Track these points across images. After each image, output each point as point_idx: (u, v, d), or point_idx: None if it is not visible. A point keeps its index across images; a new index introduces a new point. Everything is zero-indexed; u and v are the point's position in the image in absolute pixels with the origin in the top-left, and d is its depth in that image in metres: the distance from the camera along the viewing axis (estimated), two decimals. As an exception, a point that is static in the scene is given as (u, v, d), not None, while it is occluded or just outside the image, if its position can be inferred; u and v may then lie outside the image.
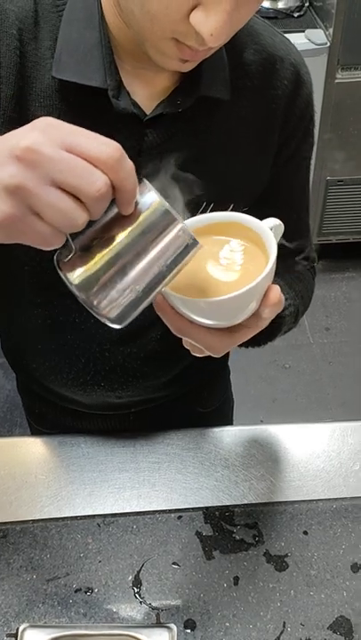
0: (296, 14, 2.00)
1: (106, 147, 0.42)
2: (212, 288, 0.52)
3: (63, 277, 0.46)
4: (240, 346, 0.64)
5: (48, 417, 0.95)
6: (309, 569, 0.73)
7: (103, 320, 0.47)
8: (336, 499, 0.79)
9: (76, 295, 0.46)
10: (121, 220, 0.45)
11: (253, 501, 0.79)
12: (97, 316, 0.47)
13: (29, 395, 0.96)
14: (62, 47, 0.59)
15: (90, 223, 0.45)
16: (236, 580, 0.72)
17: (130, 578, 0.72)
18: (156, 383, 0.83)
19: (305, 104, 0.71)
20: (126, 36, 0.58)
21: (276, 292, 0.53)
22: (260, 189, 0.73)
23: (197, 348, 0.56)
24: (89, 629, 0.66)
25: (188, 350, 0.81)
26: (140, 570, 0.73)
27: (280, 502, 0.79)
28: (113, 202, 0.44)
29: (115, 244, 0.45)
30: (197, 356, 0.59)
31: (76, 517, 0.77)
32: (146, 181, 0.47)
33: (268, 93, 0.68)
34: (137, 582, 0.72)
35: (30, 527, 0.76)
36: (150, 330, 0.75)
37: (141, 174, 0.46)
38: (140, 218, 0.45)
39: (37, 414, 0.97)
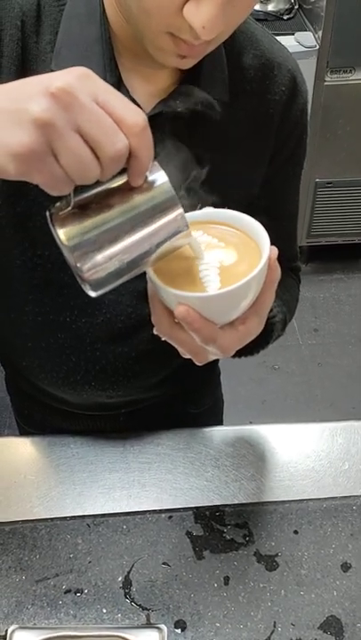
0: (286, 17, 2.00)
1: (134, 113, 0.43)
2: (202, 285, 0.52)
3: (53, 230, 0.46)
4: (233, 356, 0.64)
5: (37, 417, 0.94)
6: (300, 568, 0.73)
7: (81, 283, 0.47)
8: (326, 498, 0.79)
9: (61, 250, 0.46)
10: (126, 191, 0.46)
11: (244, 501, 0.79)
12: (77, 277, 0.46)
13: (19, 395, 0.95)
14: (62, 41, 0.59)
15: (95, 185, 0.45)
16: (227, 579, 0.72)
17: (120, 578, 0.72)
18: (147, 383, 0.83)
19: (300, 112, 0.72)
20: (127, 32, 0.59)
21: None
22: (253, 193, 0.74)
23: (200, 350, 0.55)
24: (79, 631, 0.66)
25: (178, 351, 0.82)
26: (131, 570, 0.72)
27: (270, 502, 0.79)
28: (123, 172, 0.45)
29: (114, 211, 0.46)
30: (183, 356, 0.59)
31: (66, 518, 0.76)
32: (157, 162, 0.47)
33: (265, 98, 0.69)
34: (127, 583, 0.71)
35: (19, 528, 0.75)
36: (142, 329, 0.75)
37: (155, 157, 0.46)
38: (146, 193, 0.46)
39: (26, 415, 0.96)
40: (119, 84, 0.61)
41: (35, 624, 0.68)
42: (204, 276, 0.52)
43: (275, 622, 0.69)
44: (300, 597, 0.70)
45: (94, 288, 0.47)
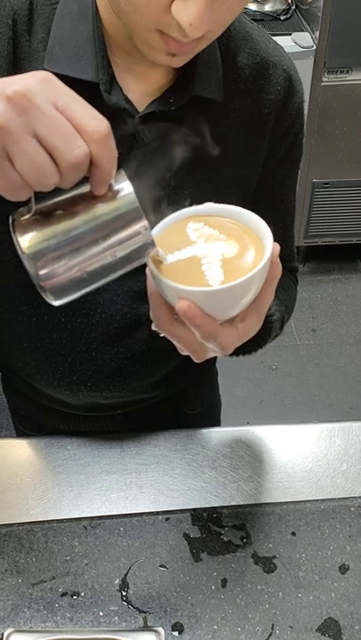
0: (283, 17, 2.00)
1: (96, 120, 0.42)
2: (205, 279, 0.51)
3: (13, 236, 0.45)
4: (231, 355, 0.64)
5: (34, 418, 0.94)
6: (298, 570, 0.72)
7: (40, 291, 0.46)
8: (324, 499, 0.79)
9: (21, 258, 0.45)
10: (90, 199, 0.45)
11: (241, 503, 0.78)
12: (36, 286, 0.46)
13: (15, 395, 0.94)
14: (55, 40, 0.59)
15: (59, 193, 0.44)
16: (224, 582, 0.71)
17: (117, 581, 0.71)
18: (144, 384, 0.82)
19: (296, 111, 0.72)
20: (119, 30, 0.58)
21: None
22: (248, 193, 0.73)
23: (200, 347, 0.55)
24: (75, 634, 0.65)
25: (175, 351, 0.81)
26: (128, 573, 0.72)
27: (268, 503, 0.78)
28: (88, 179, 0.44)
29: (76, 219, 0.45)
30: (181, 353, 0.59)
31: (63, 520, 0.76)
32: (123, 172, 0.46)
33: (260, 97, 0.68)
34: (124, 585, 0.71)
35: (16, 530, 0.75)
36: (138, 330, 0.75)
37: (122, 166, 0.45)
38: (109, 203, 0.45)
39: (23, 415, 0.96)
40: (112, 83, 0.61)
41: (31, 627, 0.67)
42: (206, 269, 0.51)
43: (273, 625, 0.68)
44: (297, 599, 0.70)
45: (55, 297, 0.46)
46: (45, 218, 0.45)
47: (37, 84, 0.41)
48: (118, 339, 0.75)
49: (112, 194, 0.45)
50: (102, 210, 0.45)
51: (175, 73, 0.64)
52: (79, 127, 0.41)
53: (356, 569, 0.73)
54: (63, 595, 0.70)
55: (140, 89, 0.63)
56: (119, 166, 0.45)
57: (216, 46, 0.64)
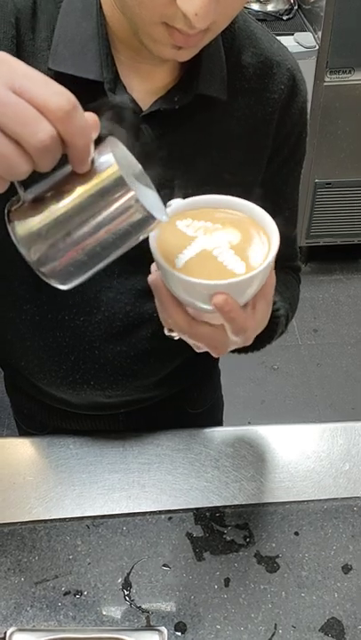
0: (285, 17, 2.00)
1: (57, 96, 0.39)
2: (227, 270, 0.51)
3: (9, 227, 0.44)
4: (238, 352, 0.64)
5: (36, 417, 0.94)
6: (300, 570, 0.72)
7: (43, 277, 0.45)
8: (327, 499, 0.79)
9: (17, 247, 0.44)
10: (75, 178, 0.43)
11: (244, 502, 0.78)
12: (37, 273, 0.45)
13: (18, 394, 0.94)
14: (59, 38, 0.59)
15: (47, 174, 0.43)
16: (227, 581, 0.71)
17: (120, 580, 0.71)
18: (146, 383, 0.82)
19: (300, 110, 0.72)
20: (124, 27, 0.58)
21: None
22: (252, 192, 0.73)
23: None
24: (78, 633, 0.65)
25: (178, 350, 0.81)
26: (130, 572, 0.72)
27: (271, 503, 0.78)
28: None
29: (64, 200, 0.43)
30: (198, 351, 0.59)
31: (65, 519, 0.76)
32: (112, 140, 0.44)
33: (264, 96, 0.68)
34: (127, 584, 0.71)
35: (18, 529, 0.75)
36: (140, 328, 0.75)
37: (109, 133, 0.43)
38: (93, 179, 0.43)
39: (26, 414, 0.96)
40: (116, 81, 0.60)
41: (34, 626, 0.67)
42: (223, 260, 0.51)
43: (275, 624, 0.68)
44: (300, 599, 0.70)
45: (59, 281, 0.45)
46: (35, 204, 0.44)
47: None
48: (121, 337, 0.75)
49: (95, 169, 0.43)
50: (87, 187, 0.43)
51: (179, 71, 0.64)
52: (40, 107, 0.39)
53: (359, 569, 0.73)
54: (66, 594, 0.70)
55: (144, 87, 0.63)
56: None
57: (220, 45, 0.64)
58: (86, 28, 0.59)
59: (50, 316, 0.73)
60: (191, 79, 0.62)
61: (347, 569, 0.73)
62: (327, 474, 0.81)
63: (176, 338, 0.56)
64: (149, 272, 0.57)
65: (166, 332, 0.57)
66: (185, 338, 0.55)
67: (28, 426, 0.97)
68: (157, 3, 0.51)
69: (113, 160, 0.43)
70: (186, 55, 0.57)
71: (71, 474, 0.80)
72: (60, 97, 0.39)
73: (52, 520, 0.76)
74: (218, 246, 0.51)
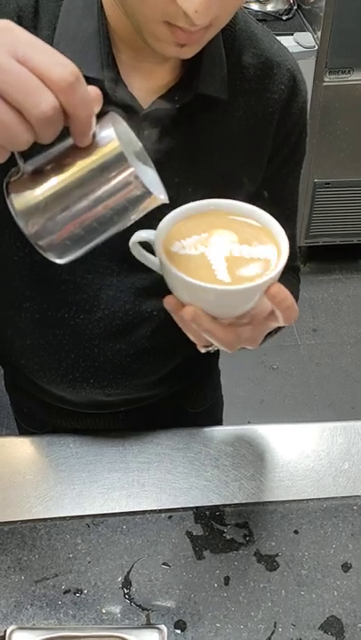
0: (285, 17, 2.00)
1: (61, 67, 0.39)
2: (215, 277, 0.51)
3: (7, 199, 0.44)
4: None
5: (36, 416, 0.94)
6: (300, 569, 0.73)
7: (39, 250, 0.45)
8: (326, 498, 0.79)
9: (15, 220, 0.44)
10: (76, 151, 0.43)
11: (244, 501, 0.78)
12: (35, 246, 0.45)
13: (18, 392, 0.95)
14: (60, 37, 0.59)
15: (48, 146, 0.42)
16: (227, 580, 0.71)
17: (119, 579, 0.71)
18: (146, 381, 0.82)
19: (300, 111, 0.72)
20: (125, 26, 0.58)
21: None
22: (252, 191, 0.73)
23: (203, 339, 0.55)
24: (78, 631, 0.65)
25: (178, 349, 0.81)
26: (130, 570, 0.72)
27: (270, 502, 0.78)
28: None
29: (64, 173, 0.43)
30: (202, 351, 0.59)
31: (65, 518, 0.76)
32: (114, 115, 0.44)
33: (264, 96, 0.68)
34: (127, 583, 0.71)
35: (18, 528, 0.75)
36: (140, 327, 0.75)
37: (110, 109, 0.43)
38: (94, 153, 0.43)
39: (25, 413, 0.96)
40: (117, 80, 0.61)
41: (34, 624, 0.67)
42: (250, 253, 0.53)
43: (275, 622, 0.68)
44: (300, 597, 0.70)
45: (56, 255, 0.45)
46: (34, 176, 0.43)
47: None
48: (121, 335, 0.75)
49: (96, 143, 0.43)
50: (87, 161, 0.43)
51: (180, 71, 0.64)
52: (43, 77, 0.38)
53: (358, 567, 0.73)
54: (66, 592, 0.70)
55: (144, 86, 0.63)
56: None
57: (221, 45, 0.65)
58: (87, 26, 0.59)
59: (50, 314, 0.74)
60: (192, 78, 0.63)
61: (346, 567, 0.73)
62: (327, 473, 0.81)
63: (213, 350, 0.57)
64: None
65: (203, 350, 0.58)
66: (208, 335, 0.55)
67: (28, 424, 0.97)
68: (158, 1, 0.51)
69: (114, 135, 0.43)
70: (189, 52, 0.57)
71: (71, 473, 0.80)
72: (63, 68, 0.39)
73: (52, 519, 0.76)
74: (226, 252, 0.52)
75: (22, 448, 0.84)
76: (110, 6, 0.59)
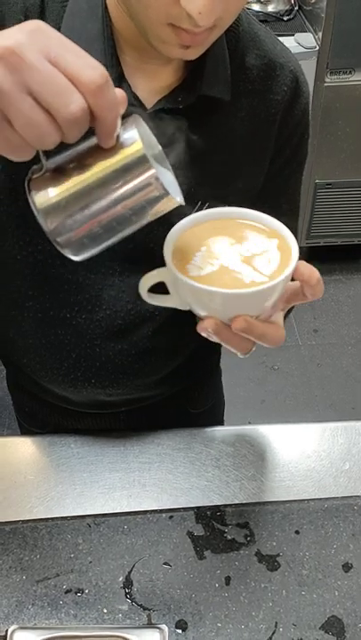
0: (286, 18, 2.00)
1: (91, 69, 0.39)
2: (229, 281, 0.52)
3: (28, 196, 0.45)
4: None
5: (38, 415, 0.94)
6: (301, 569, 0.73)
7: (57, 247, 0.46)
8: (327, 498, 0.79)
9: (35, 215, 0.44)
10: (99, 152, 0.44)
11: (245, 501, 0.78)
12: (53, 242, 0.45)
13: (19, 392, 0.95)
14: None
15: (70, 146, 0.43)
16: (228, 580, 0.72)
17: (121, 578, 0.71)
18: (147, 381, 0.82)
19: (302, 112, 0.72)
20: (129, 28, 0.59)
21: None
22: (254, 192, 0.73)
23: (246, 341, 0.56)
24: (79, 631, 0.65)
25: (179, 349, 0.81)
26: (131, 570, 0.72)
27: (271, 502, 0.78)
28: None
29: (86, 173, 0.44)
30: (242, 357, 0.59)
31: (66, 518, 0.76)
32: (137, 117, 0.45)
33: (267, 97, 0.69)
34: (128, 583, 0.71)
35: (20, 528, 0.75)
36: (142, 326, 0.75)
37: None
38: (117, 154, 0.44)
39: (27, 412, 0.96)
40: (121, 80, 0.61)
41: (35, 624, 0.67)
42: (242, 270, 0.53)
43: (276, 622, 0.68)
44: (301, 597, 0.70)
45: (73, 252, 0.46)
46: (57, 174, 0.44)
47: (27, 37, 0.39)
48: (122, 335, 0.76)
49: (120, 144, 0.44)
50: (110, 162, 0.44)
51: (184, 72, 0.64)
52: (73, 78, 0.39)
53: (359, 567, 0.73)
54: (67, 592, 0.70)
55: (148, 87, 0.63)
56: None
57: (225, 46, 0.65)
58: (92, 28, 0.59)
59: (52, 314, 0.74)
60: (195, 80, 0.63)
61: (347, 567, 0.73)
62: (327, 473, 0.82)
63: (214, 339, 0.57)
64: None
65: (243, 355, 0.58)
66: (225, 341, 0.55)
67: (30, 424, 0.97)
68: (162, 4, 0.51)
69: (137, 137, 0.44)
70: (194, 54, 0.57)
71: (72, 473, 0.81)
72: (93, 70, 0.40)
73: (53, 519, 0.76)
74: (236, 258, 0.53)
75: (23, 448, 0.84)
76: (114, 8, 0.59)
